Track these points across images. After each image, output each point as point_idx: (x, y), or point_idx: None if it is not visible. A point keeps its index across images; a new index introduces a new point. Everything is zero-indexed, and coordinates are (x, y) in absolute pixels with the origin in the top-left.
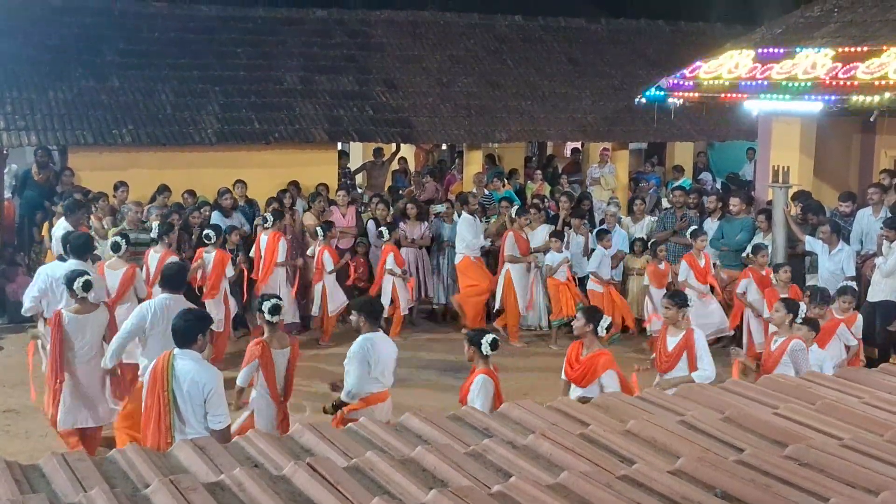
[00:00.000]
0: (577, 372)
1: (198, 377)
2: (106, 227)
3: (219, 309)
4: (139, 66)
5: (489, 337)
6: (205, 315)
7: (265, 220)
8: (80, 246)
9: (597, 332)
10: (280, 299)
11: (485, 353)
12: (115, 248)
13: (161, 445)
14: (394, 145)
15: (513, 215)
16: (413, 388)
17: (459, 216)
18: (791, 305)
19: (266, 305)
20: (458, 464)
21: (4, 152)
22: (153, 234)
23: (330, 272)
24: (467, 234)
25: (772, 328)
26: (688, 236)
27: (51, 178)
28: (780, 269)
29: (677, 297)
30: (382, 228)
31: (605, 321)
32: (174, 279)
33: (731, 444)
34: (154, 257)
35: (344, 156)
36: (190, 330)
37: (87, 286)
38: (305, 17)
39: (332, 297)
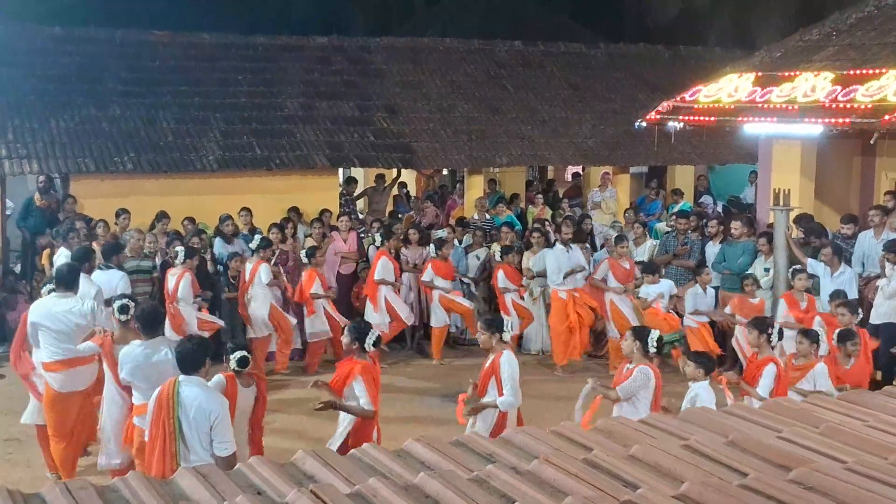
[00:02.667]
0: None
1: (205, 404)
2: None
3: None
4: (141, 93)
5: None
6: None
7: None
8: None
9: (646, 350)
10: (247, 350)
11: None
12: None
13: (166, 473)
14: (395, 171)
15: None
16: (415, 415)
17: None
18: (810, 334)
19: (234, 356)
20: (462, 490)
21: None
22: (253, 245)
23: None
24: (553, 267)
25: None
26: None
27: (53, 205)
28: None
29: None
30: (376, 234)
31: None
32: (190, 360)
33: (735, 468)
34: (174, 275)
35: (353, 181)
36: (196, 356)
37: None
38: (306, 44)
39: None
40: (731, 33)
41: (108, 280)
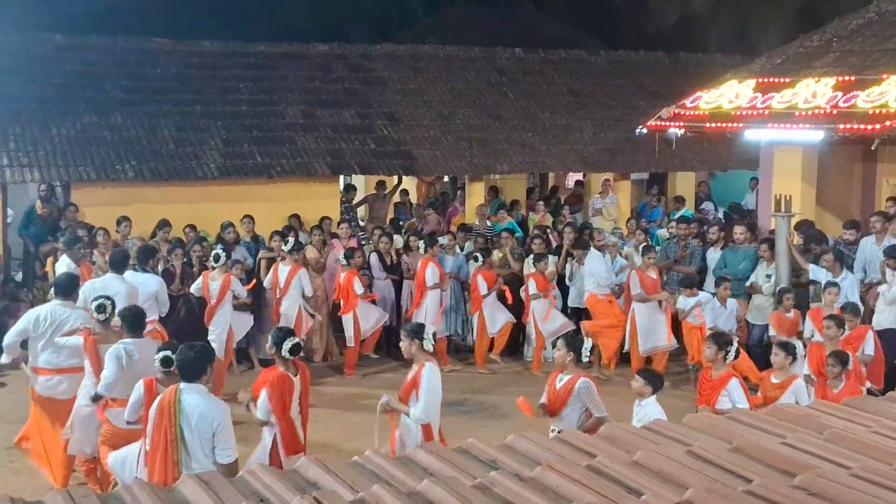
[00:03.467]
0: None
1: (207, 412)
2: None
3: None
4: (142, 101)
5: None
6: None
7: (217, 259)
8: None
9: (726, 358)
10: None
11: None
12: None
13: (168, 480)
14: (395, 178)
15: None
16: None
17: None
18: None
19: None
20: (465, 497)
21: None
22: (287, 248)
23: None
24: (599, 270)
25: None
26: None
27: (54, 213)
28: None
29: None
30: (419, 242)
31: (588, 345)
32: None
33: (740, 474)
34: (214, 279)
35: (352, 189)
36: (197, 363)
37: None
38: (307, 52)
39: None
40: (732, 40)
41: (146, 283)
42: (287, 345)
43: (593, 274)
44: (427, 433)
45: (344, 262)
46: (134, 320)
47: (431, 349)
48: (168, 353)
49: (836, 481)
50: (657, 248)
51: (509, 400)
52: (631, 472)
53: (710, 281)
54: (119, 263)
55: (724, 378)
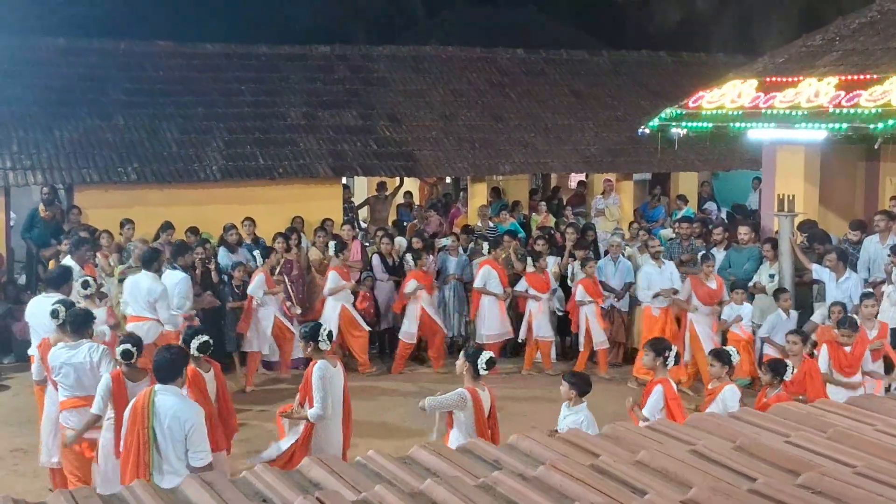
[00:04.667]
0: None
1: (179, 413)
2: (112, 264)
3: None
4: (144, 104)
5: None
6: (186, 351)
7: (85, 286)
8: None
9: (665, 364)
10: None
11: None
12: (84, 285)
13: None
14: (397, 179)
15: (515, 248)
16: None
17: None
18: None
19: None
20: (468, 496)
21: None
22: (332, 251)
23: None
24: (654, 280)
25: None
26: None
27: (57, 216)
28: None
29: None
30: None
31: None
32: (167, 369)
33: (744, 473)
34: (259, 278)
35: (346, 189)
36: (173, 365)
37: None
38: (308, 54)
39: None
40: (734, 39)
41: (167, 279)
42: (195, 343)
43: (641, 287)
44: (323, 433)
45: (411, 263)
46: (81, 323)
47: (328, 348)
48: (128, 346)
49: (841, 480)
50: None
51: (512, 400)
52: (635, 472)
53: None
54: (150, 261)
55: (653, 383)
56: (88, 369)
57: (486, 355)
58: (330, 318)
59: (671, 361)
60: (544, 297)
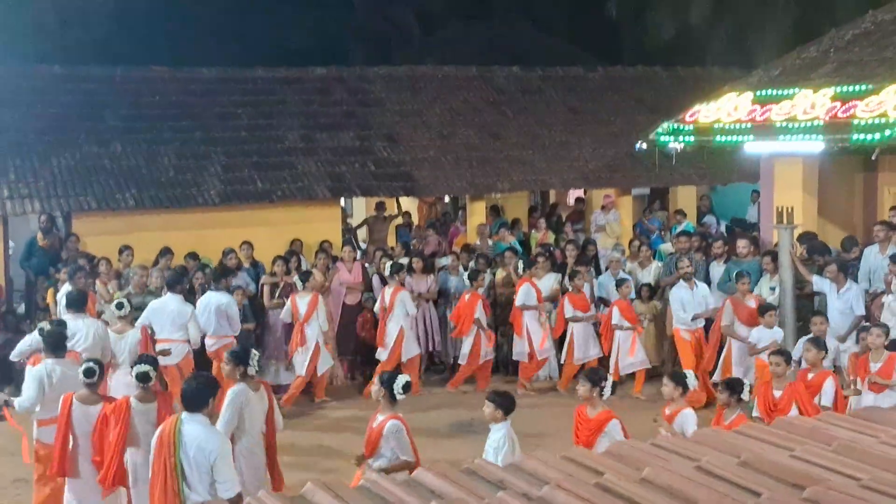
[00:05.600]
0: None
1: (204, 443)
2: (111, 291)
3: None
4: (141, 130)
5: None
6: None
7: (119, 308)
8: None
9: (601, 394)
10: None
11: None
12: (119, 307)
13: None
14: (395, 202)
15: (519, 266)
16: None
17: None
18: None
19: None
20: None
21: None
22: (387, 272)
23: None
24: (681, 303)
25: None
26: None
27: (55, 244)
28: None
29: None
30: (518, 263)
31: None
32: (195, 398)
33: (749, 488)
34: (303, 300)
35: (342, 211)
36: (200, 394)
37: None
38: (305, 76)
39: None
40: (729, 53)
41: (218, 301)
42: (133, 371)
43: (673, 309)
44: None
45: (468, 283)
46: (56, 341)
47: (254, 373)
48: (91, 364)
49: (847, 493)
50: (661, 264)
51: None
52: (640, 489)
53: (714, 296)
54: (175, 284)
55: (603, 418)
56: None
57: (402, 380)
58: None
59: (607, 392)
60: (586, 316)
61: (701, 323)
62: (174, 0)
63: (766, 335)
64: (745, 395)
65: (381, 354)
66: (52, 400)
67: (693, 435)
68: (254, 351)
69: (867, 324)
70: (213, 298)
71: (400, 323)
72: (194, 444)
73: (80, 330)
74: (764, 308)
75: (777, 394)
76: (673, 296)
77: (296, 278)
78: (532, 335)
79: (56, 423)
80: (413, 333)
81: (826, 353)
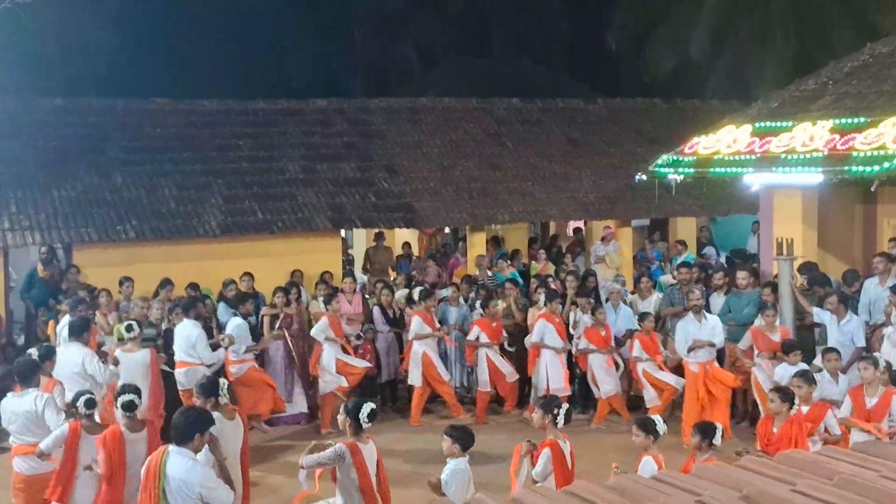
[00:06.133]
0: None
1: (187, 476)
2: (111, 323)
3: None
4: (142, 161)
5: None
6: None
7: (129, 330)
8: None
9: (555, 423)
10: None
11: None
12: (129, 330)
13: None
14: (395, 230)
15: (516, 298)
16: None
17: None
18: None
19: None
20: None
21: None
22: (416, 296)
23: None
24: (685, 335)
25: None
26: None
27: (56, 276)
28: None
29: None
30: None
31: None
32: (182, 431)
33: None
34: (323, 322)
35: (343, 241)
36: (188, 428)
37: (90, 404)
38: (305, 108)
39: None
40: (728, 85)
41: (241, 326)
42: (119, 401)
43: (678, 340)
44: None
45: (480, 310)
46: (26, 371)
47: (226, 402)
48: (132, 397)
49: None
50: (661, 295)
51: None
52: None
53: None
54: (189, 308)
55: (542, 445)
56: (34, 418)
57: (367, 408)
58: (415, 362)
59: (561, 420)
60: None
61: (711, 355)
62: (175, 33)
63: (790, 373)
64: (717, 440)
65: (414, 380)
66: (31, 429)
67: (695, 469)
68: (222, 380)
69: (867, 355)
70: (233, 322)
71: (422, 350)
72: (177, 478)
73: (76, 357)
74: (789, 346)
75: (775, 430)
76: (679, 328)
77: (320, 299)
78: (550, 373)
79: (33, 451)
80: (439, 358)
81: (816, 386)
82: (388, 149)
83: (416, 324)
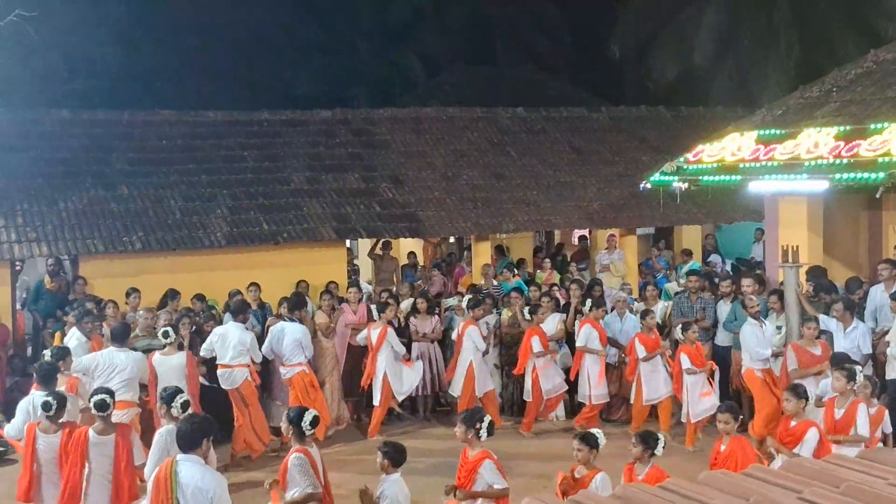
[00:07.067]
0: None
1: (202, 484)
2: None
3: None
4: (148, 173)
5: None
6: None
7: (165, 336)
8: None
9: (479, 436)
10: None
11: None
12: (165, 335)
13: None
14: (400, 240)
15: (522, 307)
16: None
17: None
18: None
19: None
20: None
21: (18, 267)
22: (465, 305)
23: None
24: (750, 342)
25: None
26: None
27: (63, 287)
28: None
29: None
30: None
31: (602, 439)
32: (189, 439)
33: None
34: (375, 330)
35: (348, 252)
36: (195, 434)
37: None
38: (310, 118)
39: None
40: (732, 92)
41: (293, 330)
42: (92, 401)
43: (746, 347)
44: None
45: (528, 317)
46: (47, 374)
47: (178, 415)
48: (48, 398)
49: None
50: (668, 304)
51: (520, 460)
52: None
53: (721, 335)
54: (238, 312)
55: (479, 458)
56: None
57: (308, 415)
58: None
59: (484, 433)
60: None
61: (769, 362)
62: (180, 45)
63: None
64: (659, 450)
65: (454, 390)
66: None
67: (702, 477)
68: (180, 395)
69: (846, 365)
70: (287, 328)
71: (469, 358)
72: (191, 485)
73: (122, 362)
74: (837, 360)
75: (723, 447)
76: (746, 334)
77: (373, 307)
78: (591, 378)
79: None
80: (485, 368)
81: (807, 401)
82: (393, 159)
83: (473, 333)
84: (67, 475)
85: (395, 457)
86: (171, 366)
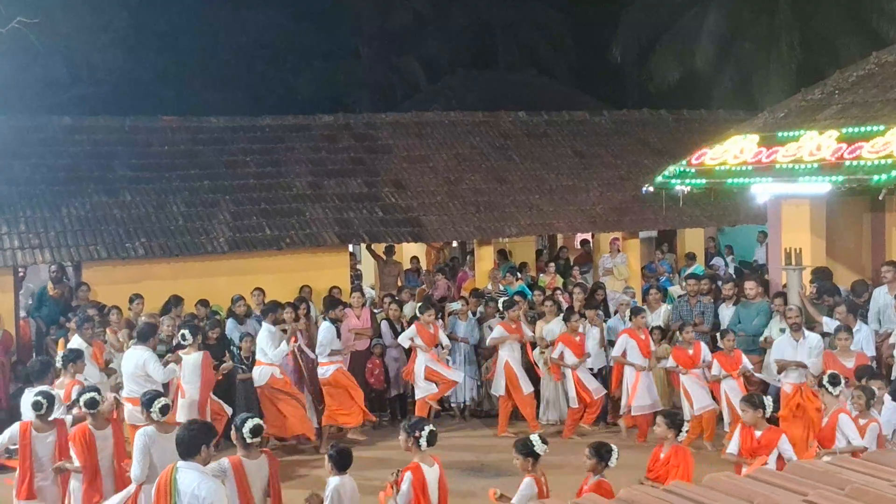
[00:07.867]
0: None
1: (199, 491)
2: (121, 340)
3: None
4: (150, 179)
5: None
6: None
7: (184, 338)
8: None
9: (419, 445)
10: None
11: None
12: (184, 338)
13: None
14: (402, 244)
15: (525, 311)
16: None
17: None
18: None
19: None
20: None
21: (21, 274)
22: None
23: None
24: (781, 355)
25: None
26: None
27: (66, 293)
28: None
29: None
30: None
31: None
32: (188, 445)
33: None
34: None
35: (351, 256)
36: (194, 441)
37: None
38: (312, 124)
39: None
40: (734, 96)
41: (325, 329)
42: (81, 399)
43: (770, 360)
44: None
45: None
46: (38, 371)
47: (158, 418)
48: (38, 398)
49: None
50: (670, 307)
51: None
52: None
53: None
54: (267, 312)
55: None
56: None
57: (251, 423)
58: (499, 372)
59: (424, 442)
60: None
61: (803, 377)
62: (182, 51)
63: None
64: (613, 462)
65: (497, 389)
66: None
67: (706, 480)
68: (160, 398)
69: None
70: (322, 327)
71: (505, 358)
72: (188, 492)
73: (138, 359)
74: (863, 372)
75: (662, 455)
76: (775, 347)
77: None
78: (629, 387)
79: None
80: (522, 369)
81: (763, 410)
82: (395, 163)
83: (497, 330)
84: (84, 468)
85: (339, 461)
86: (187, 364)
